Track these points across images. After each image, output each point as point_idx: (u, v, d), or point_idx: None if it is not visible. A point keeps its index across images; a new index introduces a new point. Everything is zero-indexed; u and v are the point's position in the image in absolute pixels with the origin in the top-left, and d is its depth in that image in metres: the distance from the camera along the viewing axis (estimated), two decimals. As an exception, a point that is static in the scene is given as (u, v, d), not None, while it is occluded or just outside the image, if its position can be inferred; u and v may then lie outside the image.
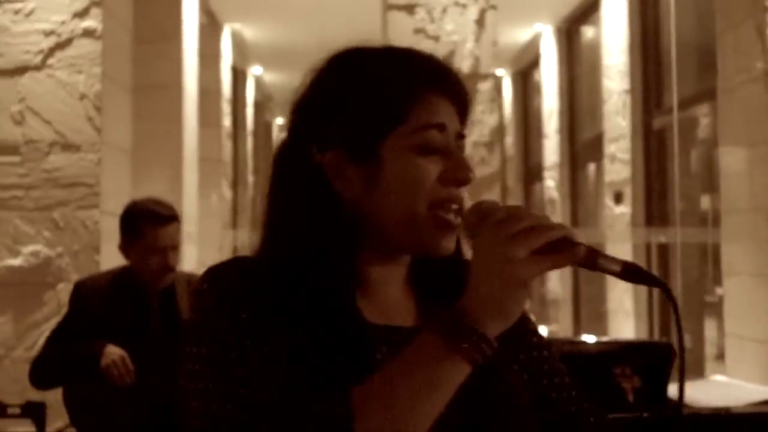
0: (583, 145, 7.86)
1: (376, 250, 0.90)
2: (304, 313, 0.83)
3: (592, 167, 7.78)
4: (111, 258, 3.87)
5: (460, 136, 0.91)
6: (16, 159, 3.81)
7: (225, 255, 7.19)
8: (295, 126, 0.92)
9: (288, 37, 8.42)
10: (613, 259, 0.82)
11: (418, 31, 4.04)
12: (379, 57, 0.92)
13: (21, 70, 3.82)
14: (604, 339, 3.65)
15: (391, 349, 0.84)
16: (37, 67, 3.83)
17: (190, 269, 5.99)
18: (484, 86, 4.04)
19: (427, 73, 0.90)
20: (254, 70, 10.04)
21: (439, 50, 4.19)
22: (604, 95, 6.51)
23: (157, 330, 2.28)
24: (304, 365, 0.80)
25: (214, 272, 0.88)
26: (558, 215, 7.70)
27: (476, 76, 3.99)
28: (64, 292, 3.82)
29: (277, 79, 10.73)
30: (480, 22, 4.04)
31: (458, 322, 0.78)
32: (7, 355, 3.72)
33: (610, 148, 6.37)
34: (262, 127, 11.91)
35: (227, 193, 7.87)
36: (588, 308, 7.80)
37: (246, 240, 9.47)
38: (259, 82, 10.65)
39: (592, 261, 0.80)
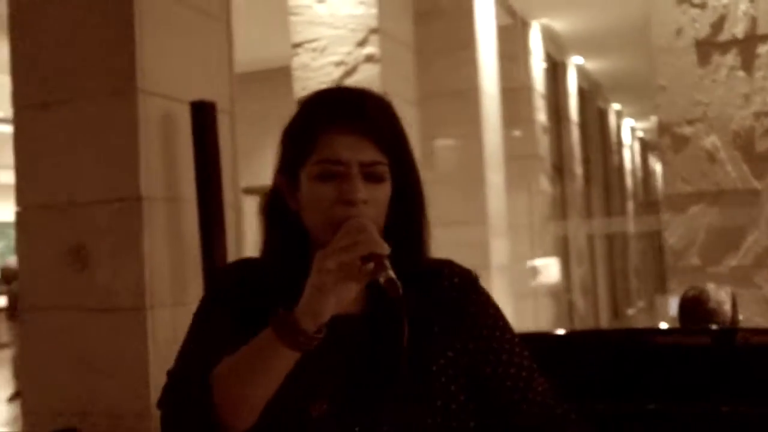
0: None
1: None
2: (259, 302, 1.03)
3: None
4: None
5: (368, 164, 1.05)
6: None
7: (539, 248, 7.33)
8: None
9: (595, 24, 8.27)
10: (385, 275, 0.95)
11: (682, 1, 3.78)
12: (307, 102, 1.09)
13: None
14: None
15: (332, 332, 1.00)
16: (331, 95, 4.43)
17: (501, 262, 6.27)
18: (764, 49, 3.62)
19: (331, 115, 1.07)
20: (574, 60, 9.99)
21: (706, 18, 3.87)
22: None
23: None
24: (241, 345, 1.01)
25: (218, 271, 1.13)
26: None
27: (753, 38, 3.60)
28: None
29: (601, 66, 10.54)
30: (756, -22, 3.64)
31: (282, 318, 0.95)
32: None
33: None
34: (594, 115, 11.74)
35: (546, 187, 7.98)
36: None
37: (574, 230, 9.48)
38: (583, 72, 10.55)
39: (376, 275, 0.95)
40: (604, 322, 10.38)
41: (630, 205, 14.39)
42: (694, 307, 2.35)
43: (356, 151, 1.04)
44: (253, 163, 7.59)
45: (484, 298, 1.13)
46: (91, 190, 2.61)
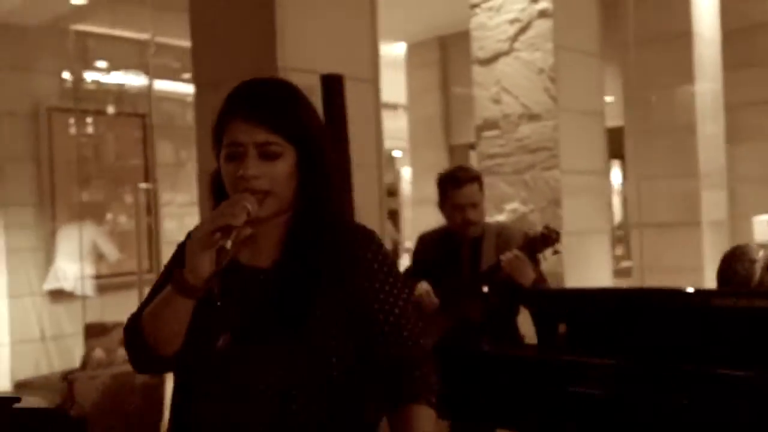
0: None
1: None
2: None
3: None
4: (572, 211, 4.35)
5: (261, 144, 1.28)
6: (496, 132, 4.59)
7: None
8: None
9: None
10: (222, 243, 1.19)
11: None
12: (225, 97, 1.32)
13: (495, 58, 4.57)
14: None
15: (242, 280, 1.25)
16: (506, 53, 4.52)
17: (715, 217, 5.89)
18: None
19: (229, 107, 1.31)
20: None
21: None
22: None
23: (467, 272, 2.70)
24: None
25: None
26: None
27: None
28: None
29: None
30: None
31: (176, 274, 1.23)
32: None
33: None
34: None
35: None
36: None
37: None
38: None
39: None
40: None
41: None
42: (728, 264, 2.21)
43: (251, 134, 1.29)
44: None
45: (374, 254, 1.32)
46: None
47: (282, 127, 1.29)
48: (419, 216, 7.92)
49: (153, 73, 6.31)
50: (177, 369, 1.31)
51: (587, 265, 4.52)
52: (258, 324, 1.27)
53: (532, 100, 4.41)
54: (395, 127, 10.78)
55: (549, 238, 2.61)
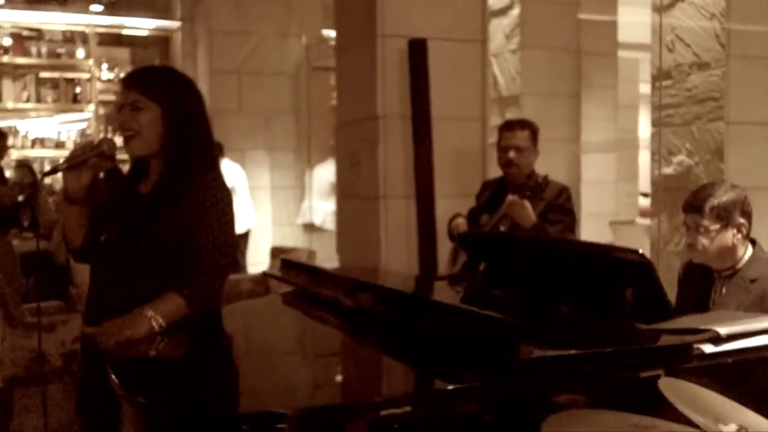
0: None
1: None
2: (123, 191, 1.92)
3: None
4: (734, 166, 4.12)
5: (131, 102, 1.85)
6: (669, 83, 4.44)
7: None
8: None
9: None
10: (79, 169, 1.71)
11: None
12: None
13: (672, 4, 4.40)
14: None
15: (136, 201, 1.83)
16: (682, -1, 4.33)
17: None
18: None
19: (124, 80, 1.91)
20: None
21: None
22: None
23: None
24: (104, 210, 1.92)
25: None
26: None
27: None
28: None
29: None
30: None
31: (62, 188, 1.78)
32: (662, 248, 4.46)
33: None
34: None
35: None
36: None
37: None
38: None
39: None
40: None
41: None
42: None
43: (125, 94, 1.90)
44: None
45: (211, 191, 1.81)
46: (361, 110, 3.58)
47: (144, 90, 1.88)
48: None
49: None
50: (89, 259, 1.97)
51: (757, 222, 4.23)
52: (128, 228, 1.86)
53: (703, 48, 4.20)
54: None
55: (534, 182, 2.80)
